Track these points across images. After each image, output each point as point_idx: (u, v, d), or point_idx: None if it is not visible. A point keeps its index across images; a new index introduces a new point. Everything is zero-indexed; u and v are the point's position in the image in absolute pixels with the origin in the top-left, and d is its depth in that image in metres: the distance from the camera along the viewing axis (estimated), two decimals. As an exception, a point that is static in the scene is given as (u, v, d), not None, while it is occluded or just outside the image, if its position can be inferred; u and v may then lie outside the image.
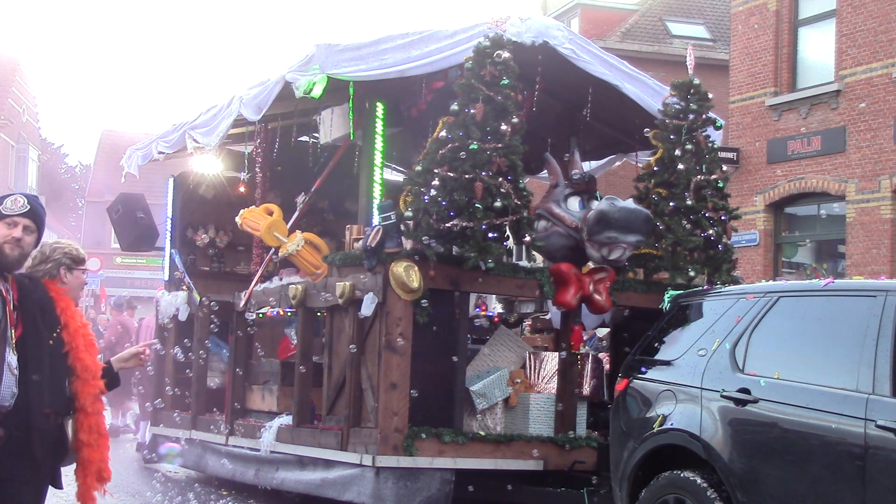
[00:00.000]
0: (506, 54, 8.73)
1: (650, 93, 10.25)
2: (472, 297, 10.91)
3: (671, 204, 9.47)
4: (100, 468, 4.95)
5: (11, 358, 4.64)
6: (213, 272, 12.94)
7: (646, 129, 9.83)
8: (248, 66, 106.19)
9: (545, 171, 10.30)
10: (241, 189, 12.14)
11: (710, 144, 9.81)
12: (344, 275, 9.33)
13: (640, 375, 7.09)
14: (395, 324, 8.61)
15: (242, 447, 10.63)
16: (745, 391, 6.14)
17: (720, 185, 9.78)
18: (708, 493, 6.15)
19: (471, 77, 8.69)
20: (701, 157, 9.64)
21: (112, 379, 5.15)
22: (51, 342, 4.80)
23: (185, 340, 11.97)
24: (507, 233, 8.78)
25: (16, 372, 4.66)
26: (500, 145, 8.55)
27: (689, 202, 9.49)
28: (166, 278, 12.85)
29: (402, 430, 8.56)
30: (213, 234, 13.18)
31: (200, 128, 11.10)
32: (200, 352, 11.63)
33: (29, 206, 4.76)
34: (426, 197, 8.49)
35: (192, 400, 11.80)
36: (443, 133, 8.73)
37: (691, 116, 9.68)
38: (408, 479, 8.59)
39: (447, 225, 8.42)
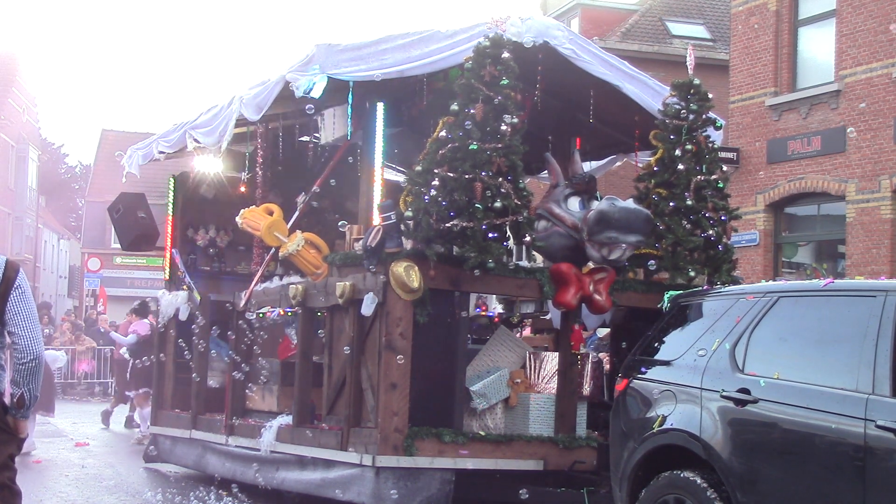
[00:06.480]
0: (506, 54, 8.73)
1: (650, 93, 10.24)
2: (472, 297, 10.91)
3: (671, 204, 9.47)
4: None
5: None
6: (213, 272, 12.95)
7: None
8: (248, 66, 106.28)
9: (545, 171, 10.29)
10: (242, 189, 12.14)
11: (710, 145, 9.81)
12: (344, 275, 9.34)
13: (640, 375, 7.09)
14: (395, 324, 8.61)
15: (242, 447, 10.63)
16: (745, 391, 6.14)
17: (720, 185, 9.77)
18: (708, 493, 6.15)
19: (471, 77, 8.69)
20: (701, 157, 9.63)
21: None
22: None
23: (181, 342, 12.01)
24: (508, 233, 8.78)
25: None
26: (500, 145, 8.54)
27: (689, 202, 9.49)
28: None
29: (402, 430, 8.55)
30: (213, 233, 13.19)
31: (201, 127, 11.11)
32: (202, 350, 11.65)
33: None
34: (426, 197, 8.49)
35: (192, 400, 11.81)
36: (443, 133, 8.72)
37: (691, 116, 9.68)
38: (408, 479, 8.59)
39: (447, 225, 8.43)
